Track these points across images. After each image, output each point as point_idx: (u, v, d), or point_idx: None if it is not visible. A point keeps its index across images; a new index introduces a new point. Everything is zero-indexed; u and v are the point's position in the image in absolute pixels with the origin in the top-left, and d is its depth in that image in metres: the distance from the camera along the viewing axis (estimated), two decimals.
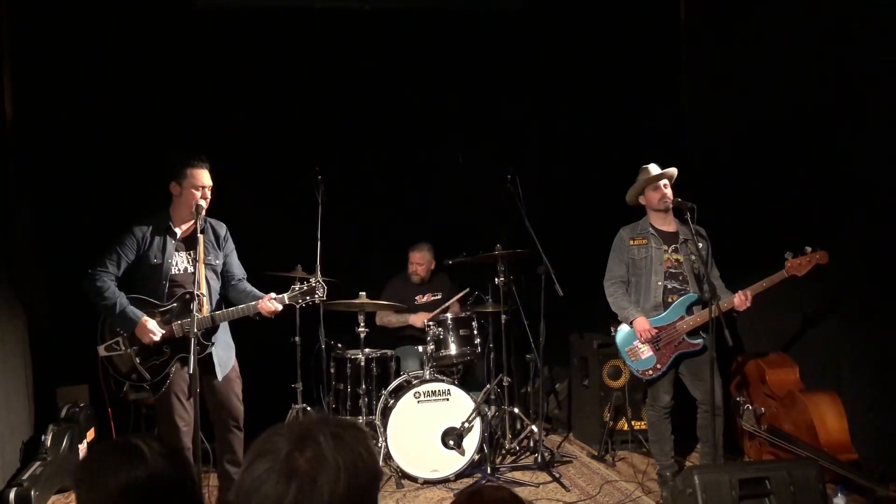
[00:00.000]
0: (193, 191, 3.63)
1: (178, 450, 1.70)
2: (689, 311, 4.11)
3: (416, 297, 5.56)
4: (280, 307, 3.69)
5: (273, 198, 5.54)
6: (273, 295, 3.68)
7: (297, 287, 3.72)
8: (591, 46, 6.04)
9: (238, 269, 3.93)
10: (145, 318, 3.51)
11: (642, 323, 4.12)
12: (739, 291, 4.01)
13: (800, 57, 4.62)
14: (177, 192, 3.68)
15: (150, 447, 1.60)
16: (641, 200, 4.32)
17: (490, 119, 6.06)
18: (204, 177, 3.67)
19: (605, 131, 6.04)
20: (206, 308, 3.64)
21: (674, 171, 4.26)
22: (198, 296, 3.52)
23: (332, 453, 1.25)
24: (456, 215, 5.82)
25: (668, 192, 4.21)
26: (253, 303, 3.67)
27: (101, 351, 3.59)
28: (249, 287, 3.87)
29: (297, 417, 1.26)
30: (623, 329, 4.26)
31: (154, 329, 3.50)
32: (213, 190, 3.73)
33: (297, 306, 3.82)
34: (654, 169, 4.26)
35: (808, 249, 3.92)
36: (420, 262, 5.55)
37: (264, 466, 1.24)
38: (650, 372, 4.18)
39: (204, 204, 3.63)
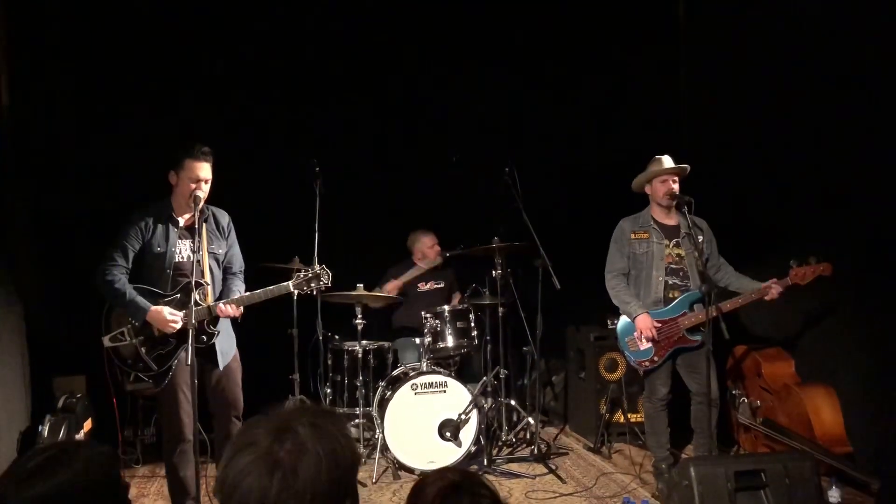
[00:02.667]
0: (190, 183, 3.58)
1: (112, 455, 1.67)
2: (691, 308, 4.13)
3: (419, 285, 5.56)
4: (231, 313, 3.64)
5: (271, 189, 5.53)
6: (227, 304, 3.60)
7: (300, 274, 3.69)
8: (590, 38, 6.03)
9: (237, 261, 3.88)
10: (156, 307, 3.48)
11: (645, 320, 4.11)
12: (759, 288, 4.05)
13: (801, 53, 4.61)
14: (174, 181, 3.65)
15: (80, 453, 1.58)
16: (647, 189, 4.31)
17: (488, 110, 6.05)
18: (201, 170, 3.59)
19: (604, 124, 6.04)
20: (211, 297, 3.62)
21: (686, 167, 4.24)
22: (201, 284, 3.52)
23: (312, 442, 1.27)
24: (453, 208, 5.82)
25: (676, 187, 4.19)
26: (272, 287, 3.64)
27: (106, 341, 3.57)
28: (235, 285, 3.80)
29: (276, 409, 1.31)
30: (625, 319, 4.28)
31: (172, 317, 3.47)
32: (213, 181, 3.69)
33: (301, 293, 3.78)
34: (667, 161, 4.24)
35: (813, 260, 3.93)
36: (435, 242, 5.56)
37: (246, 459, 1.26)
38: (646, 363, 4.19)
39: (202, 195, 3.58)
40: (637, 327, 4.13)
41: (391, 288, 5.36)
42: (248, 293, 3.67)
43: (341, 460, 1.30)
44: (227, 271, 3.85)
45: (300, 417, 1.31)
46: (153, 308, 3.47)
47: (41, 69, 5.06)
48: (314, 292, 3.80)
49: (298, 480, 1.23)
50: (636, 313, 4.14)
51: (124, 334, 3.55)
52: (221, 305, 3.56)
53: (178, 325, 3.48)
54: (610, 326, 4.39)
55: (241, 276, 3.89)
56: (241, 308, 3.65)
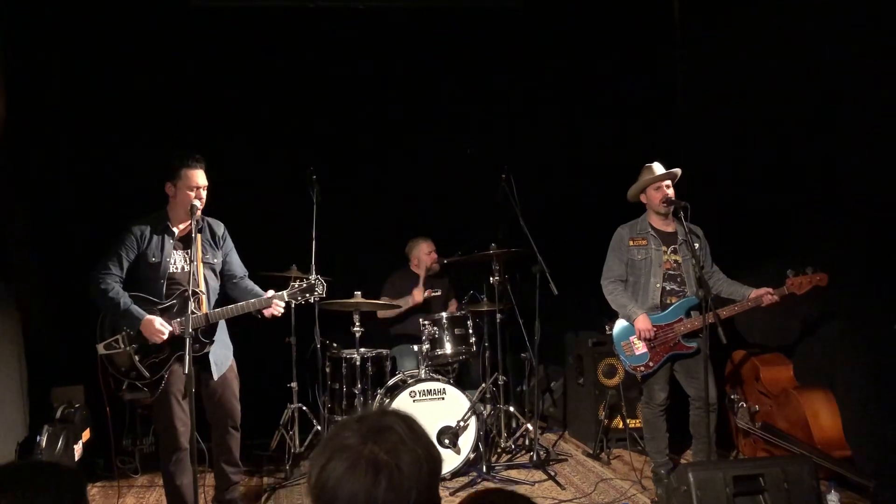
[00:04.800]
0: (188, 192, 3.62)
1: (79, 478, 1.68)
2: (687, 314, 4.14)
3: (416, 292, 5.55)
4: (282, 311, 3.69)
5: (268, 197, 5.54)
6: (272, 293, 3.68)
7: (295, 284, 3.70)
8: (586, 44, 6.05)
9: (239, 268, 3.92)
10: (150, 316, 3.50)
11: (644, 322, 4.12)
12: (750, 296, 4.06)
13: (798, 54, 4.61)
14: (172, 192, 3.68)
15: (49, 475, 1.59)
16: (642, 199, 4.33)
17: (485, 117, 6.07)
18: (198, 177, 3.65)
19: (601, 130, 6.05)
20: (205, 306, 3.64)
21: (677, 171, 4.26)
22: (196, 293, 3.52)
23: (411, 441, 1.28)
24: (451, 214, 5.83)
25: (671, 192, 4.22)
26: (254, 300, 3.66)
27: (101, 349, 3.58)
28: (251, 285, 3.88)
29: (360, 413, 1.32)
30: (621, 323, 4.29)
31: (161, 328, 3.49)
32: (208, 189, 3.72)
33: (296, 303, 3.79)
34: (657, 168, 4.27)
35: (809, 270, 3.96)
36: (433, 249, 5.56)
37: (345, 465, 1.25)
38: (641, 368, 4.21)
39: (199, 204, 3.62)
40: (636, 329, 4.14)
41: (417, 293, 5.33)
42: (242, 303, 3.67)
43: (436, 459, 1.31)
44: (231, 279, 3.86)
45: (392, 417, 1.32)
46: (147, 317, 3.49)
47: (39, 80, 5.07)
48: (310, 302, 3.79)
49: (403, 477, 1.23)
50: (635, 315, 4.15)
51: (119, 342, 3.56)
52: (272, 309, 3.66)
53: (165, 336, 3.49)
54: (608, 332, 4.39)
55: (248, 278, 3.94)
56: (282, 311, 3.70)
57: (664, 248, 4.23)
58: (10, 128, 4.77)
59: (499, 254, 4.85)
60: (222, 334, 3.80)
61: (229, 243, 3.91)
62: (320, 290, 3.71)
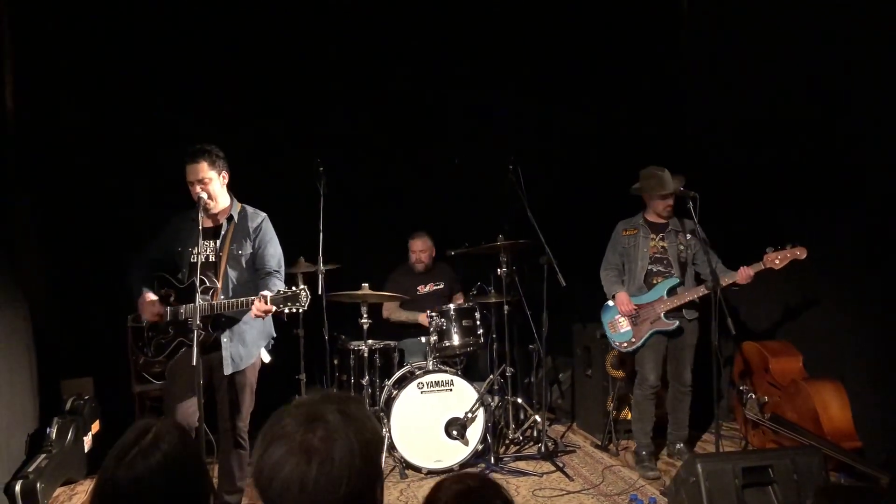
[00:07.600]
0: (189, 186, 3.63)
1: (186, 431, 1.74)
2: (669, 293, 4.38)
3: (419, 288, 5.56)
4: (274, 309, 3.51)
5: (275, 190, 5.50)
6: (265, 293, 3.48)
7: (281, 290, 3.50)
8: (592, 36, 6.02)
9: (270, 261, 3.75)
10: (146, 294, 3.60)
11: (623, 297, 4.47)
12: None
13: (802, 47, 4.59)
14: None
15: (164, 430, 1.65)
16: (644, 197, 4.53)
17: (491, 108, 6.04)
18: (190, 172, 3.60)
19: (607, 121, 6.03)
20: (219, 298, 3.59)
21: (681, 183, 4.39)
22: (208, 284, 3.52)
23: (343, 428, 1.32)
24: (458, 206, 5.81)
25: (671, 203, 4.45)
26: (242, 300, 3.55)
27: (129, 321, 3.82)
28: (271, 283, 3.67)
29: (299, 399, 1.41)
30: (608, 304, 4.59)
31: (152, 307, 3.58)
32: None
33: (277, 309, 3.51)
34: (667, 181, 4.38)
35: (788, 245, 4.08)
36: (422, 249, 5.56)
37: (281, 451, 1.30)
38: (625, 345, 4.50)
39: (205, 196, 3.59)
40: (616, 302, 4.48)
41: (423, 317, 5.24)
42: (233, 300, 3.57)
43: (371, 443, 1.36)
44: (260, 272, 3.75)
45: (328, 405, 1.36)
46: (144, 295, 3.61)
47: (46, 73, 5.07)
48: (298, 310, 3.59)
49: (335, 466, 1.28)
50: (614, 292, 4.49)
51: (140, 317, 3.70)
52: (255, 310, 3.48)
53: (154, 314, 3.59)
54: None
55: (278, 275, 3.75)
56: (274, 308, 3.53)
57: (652, 235, 4.53)
58: (18, 120, 4.78)
59: (506, 245, 4.84)
60: (251, 333, 3.73)
61: (265, 235, 3.79)
62: (304, 301, 3.48)
